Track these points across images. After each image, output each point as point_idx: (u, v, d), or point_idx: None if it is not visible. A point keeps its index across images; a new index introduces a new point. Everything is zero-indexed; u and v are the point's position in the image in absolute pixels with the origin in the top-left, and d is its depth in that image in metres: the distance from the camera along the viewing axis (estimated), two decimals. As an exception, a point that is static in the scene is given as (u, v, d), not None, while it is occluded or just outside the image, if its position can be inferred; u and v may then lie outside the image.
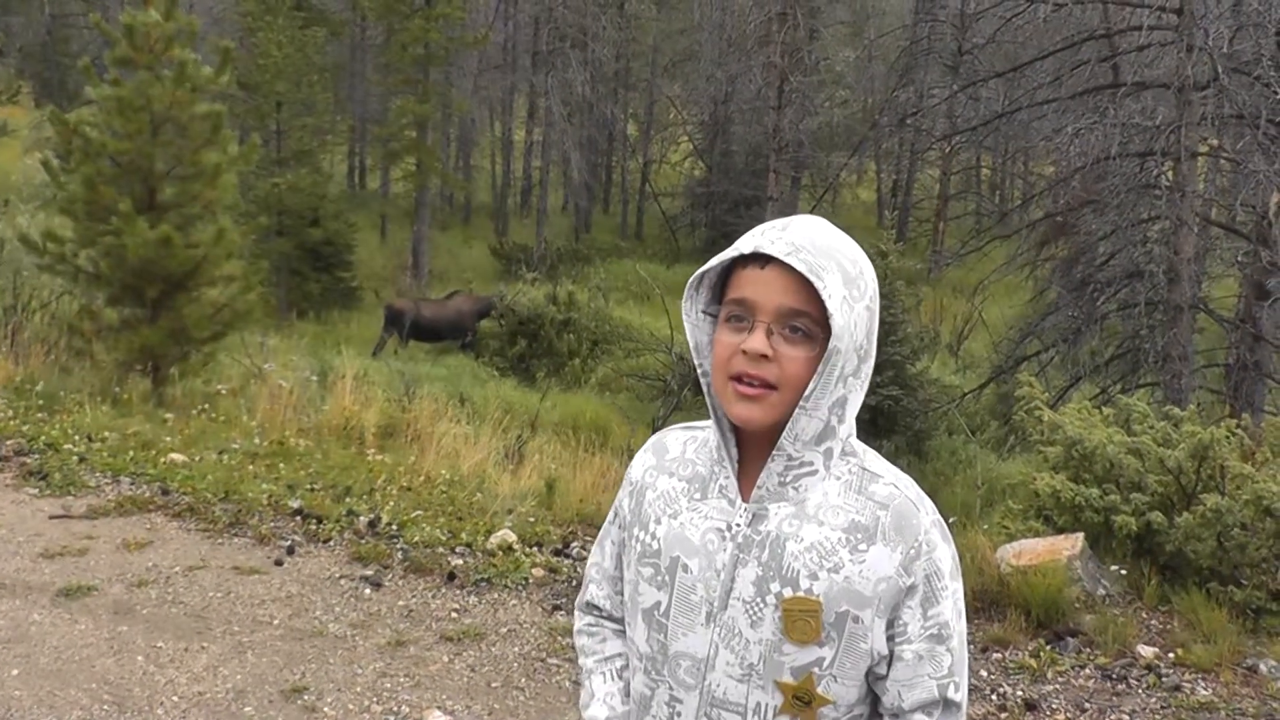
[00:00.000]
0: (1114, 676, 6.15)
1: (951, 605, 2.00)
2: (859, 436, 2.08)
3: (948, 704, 2.01)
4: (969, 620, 6.76)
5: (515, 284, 27.88)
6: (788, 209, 33.08)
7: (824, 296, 1.86)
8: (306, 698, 5.59)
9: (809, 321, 1.89)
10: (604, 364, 24.78)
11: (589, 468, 10.86)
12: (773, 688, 1.99)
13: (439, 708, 5.58)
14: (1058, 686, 6.07)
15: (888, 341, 17.41)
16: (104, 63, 12.36)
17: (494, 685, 5.87)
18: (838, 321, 1.86)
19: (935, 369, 22.98)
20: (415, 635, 6.43)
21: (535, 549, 7.96)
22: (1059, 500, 7.70)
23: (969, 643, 6.42)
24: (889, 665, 2.00)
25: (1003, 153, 43.26)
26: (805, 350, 1.91)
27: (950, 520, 9.21)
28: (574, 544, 8.11)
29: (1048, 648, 6.45)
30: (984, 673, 6.20)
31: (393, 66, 35.40)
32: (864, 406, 2.04)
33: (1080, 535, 7.31)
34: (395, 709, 5.54)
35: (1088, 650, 6.45)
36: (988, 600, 6.98)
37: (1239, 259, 18.74)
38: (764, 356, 1.90)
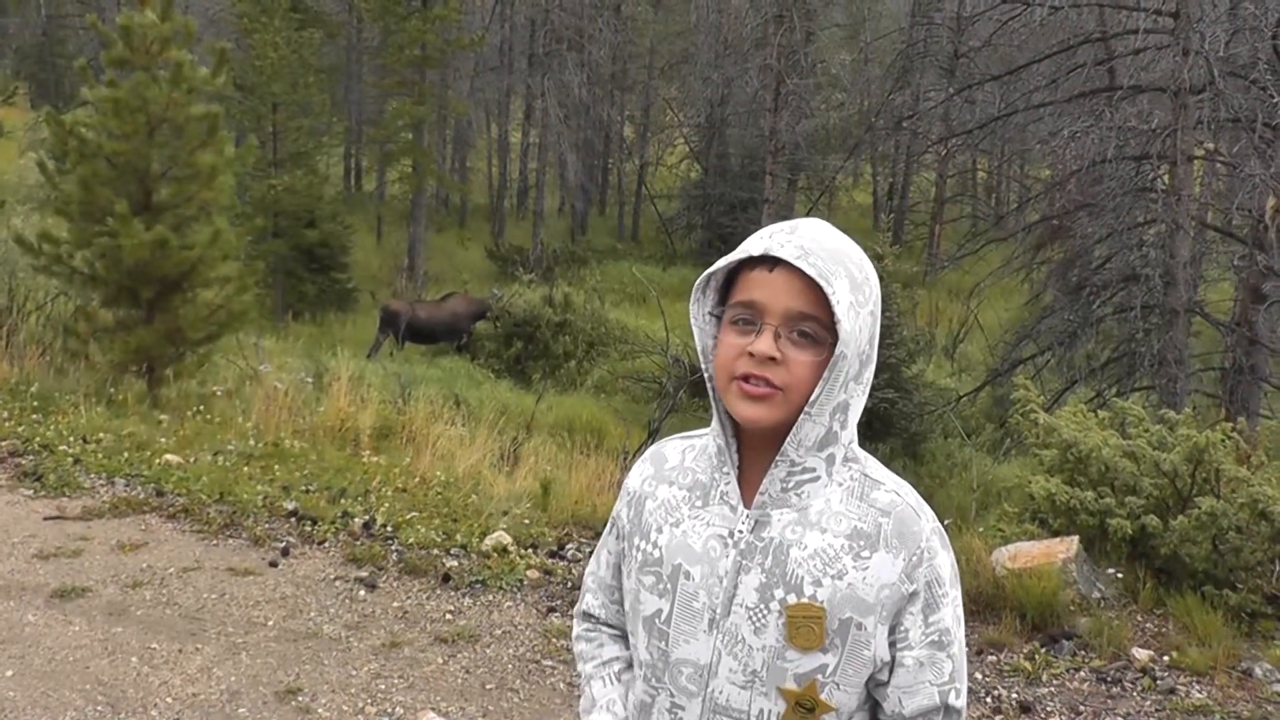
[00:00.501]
0: (1109, 679, 6.15)
1: (952, 611, 2.00)
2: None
3: (949, 710, 2.01)
4: (964, 623, 6.75)
5: (511, 286, 27.89)
6: (784, 211, 33.10)
7: (833, 301, 1.86)
8: (301, 699, 5.58)
9: (816, 326, 1.89)
10: (600, 366, 24.82)
11: (584, 470, 10.86)
12: (776, 695, 1.98)
13: (433, 709, 5.57)
14: (1053, 689, 6.07)
15: (883, 344, 17.40)
16: (100, 64, 12.35)
17: (488, 687, 5.86)
18: (845, 327, 1.87)
19: (931, 372, 23.04)
20: (410, 637, 6.42)
21: (530, 551, 7.95)
22: (1054, 503, 7.70)
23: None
24: (890, 672, 2.00)
25: (999, 156, 43.34)
26: (812, 354, 1.90)
27: (946, 523, 9.19)
28: (569, 546, 8.11)
29: (1043, 650, 6.45)
30: (979, 675, 6.20)
31: (389, 68, 35.41)
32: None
33: (1075, 538, 7.30)
34: (389, 710, 5.54)
35: (1083, 653, 6.45)
36: (983, 603, 6.98)
37: (1235, 263, 18.79)
38: (771, 359, 1.90)
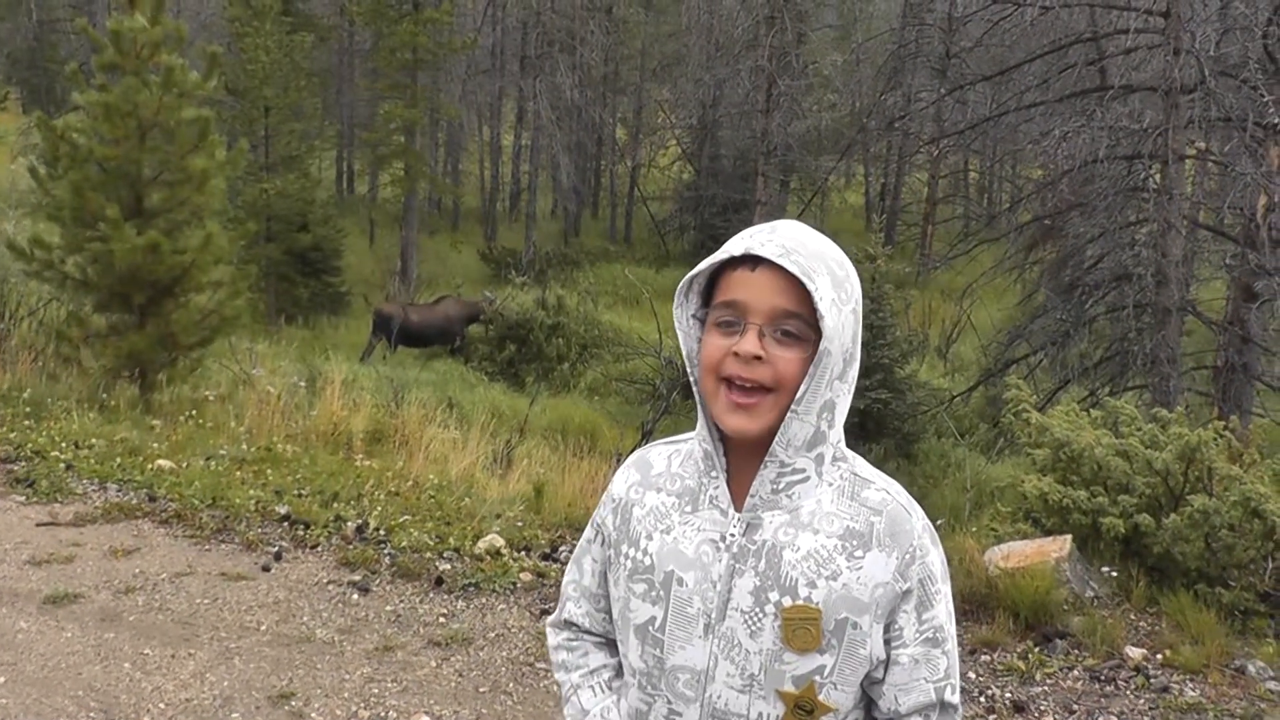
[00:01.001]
0: (1102, 678, 6.16)
1: (945, 608, 2.02)
2: (847, 441, 2.08)
3: (945, 706, 2.02)
4: (957, 623, 6.75)
5: (504, 288, 27.88)
6: (776, 212, 33.10)
7: (815, 298, 1.86)
8: (294, 703, 5.58)
9: (800, 323, 1.90)
10: (593, 368, 24.82)
11: (578, 472, 10.85)
12: (774, 697, 1.99)
13: (427, 713, 5.57)
14: (1046, 688, 6.07)
15: (876, 345, 17.44)
16: (91, 68, 12.34)
17: (482, 690, 5.86)
18: (829, 323, 1.87)
19: (924, 372, 23.03)
20: (403, 640, 6.42)
21: (523, 553, 7.95)
22: (1047, 502, 7.70)
23: (957, 644, 6.44)
24: (886, 670, 2.01)
25: (990, 156, 43.33)
26: (798, 352, 1.91)
27: (939, 523, 9.24)
28: (562, 548, 8.10)
29: (1036, 649, 6.45)
30: (972, 674, 6.20)
31: (380, 71, 35.39)
32: (853, 410, 2.05)
33: (1068, 537, 7.31)
34: (383, 714, 5.53)
35: (1076, 652, 6.45)
36: (976, 602, 6.98)
37: (1227, 262, 18.80)
38: (757, 358, 1.90)
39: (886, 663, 2.00)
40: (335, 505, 8.70)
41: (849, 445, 2.10)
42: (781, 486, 1.99)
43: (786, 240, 1.92)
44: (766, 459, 1.97)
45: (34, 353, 12.64)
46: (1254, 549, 6.91)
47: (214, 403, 12.07)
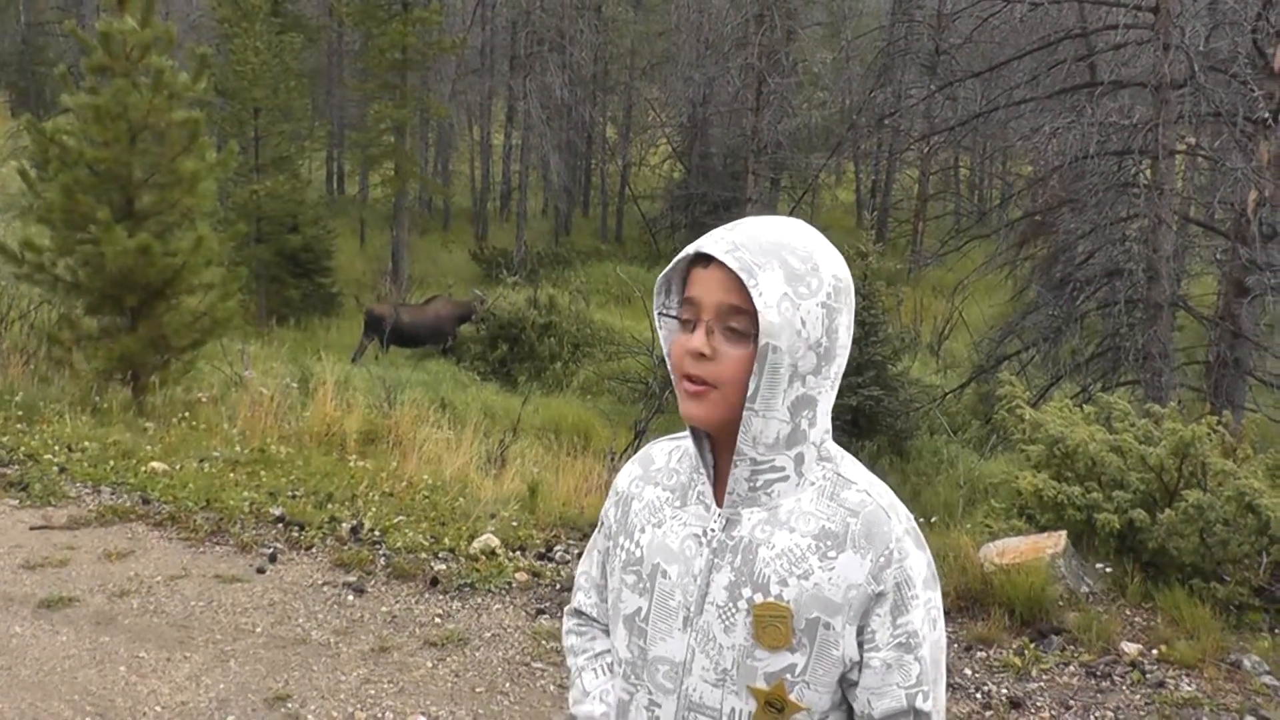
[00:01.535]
0: (1098, 674, 6.17)
1: (923, 615, 1.97)
2: (840, 438, 2.08)
3: (917, 714, 1.99)
4: (952, 620, 6.77)
5: (495, 288, 27.88)
6: (767, 210, 33.11)
7: (753, 293, 1.86)
8: (290, 705, 5.57)
9: (748, 320, 1.90)
10: (585, 367, 24.81)
11: (571, 471, 10.85)
12: (746, 693, 1.99)
13: (423, 714, 5.56)
14: (1042, 684, 6.08)
15: (868, 342, 17.45)
16: (80, 70, 12.31)
17: (478, 690, 5.86)
18: (769, 318, 1.86)
19: (916, 369, 23.05)
20: (398, 641, 6.41)
21: (518, 553, 7.94)
22: (1041, 498, 7.72)
23: (953, 642, 6.45)
24: (859, 672, 1.99)
25: (981, 152, 43.48)
26: (745, 348, 1.91)
27: (932, 520, 9.25)
28: (557, 548, 8.10)
29: (1032, 646, 6.46)
30: (968, 671, 6.21)
31: (370, 71, 35.36)
32: (845, 407, 2.04)
33: (1063, 533, 7.32)
34: (379, 715, 5.52)
35: (1072, 648, 6.46)
36: (971, 599, 6.99)
37: (1218, 256, 18.86)
38: (702, 355, 1.92)
39: (860, 665, 1.99)
40: (329, 506, 8.68)
41: (841, 443, 2.09)
42: (759, 484, 1.99)
43: (739, 237, 1.92)
44: (735, 456, 1.98)
45: (26, 356, 12.61)
46: (1248, 544, 6.93)
47: (207, 404, 12.06)
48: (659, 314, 2.08)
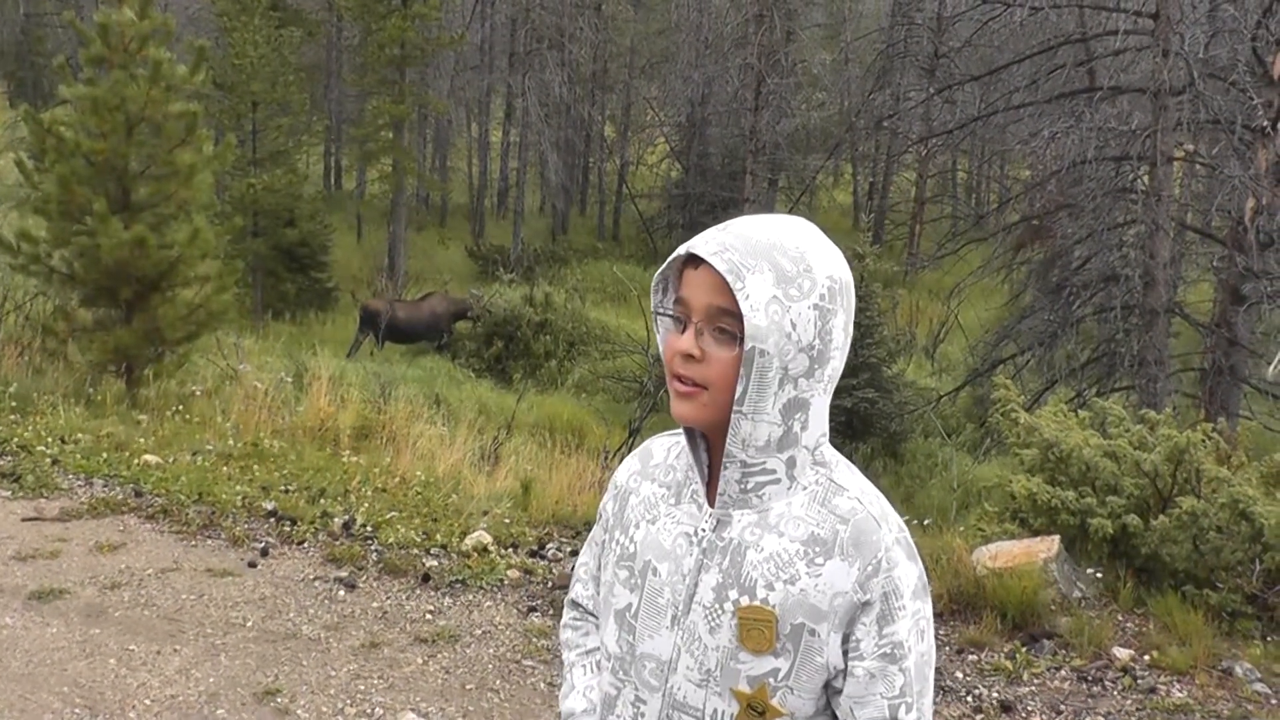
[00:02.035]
0: (1089, 678, 6.16)
1: (910, 625, 1.95)
2: (834, 440, 2.06)
3: None
4: (944, 623, 6.77)
5: (492, 285, 27.87)
6: (764, 210, 33.03)
7: (739, 296, 1.84)
8: (280, 700, 5.56)
9: (735, 321, 1.88)
10: (580, 365, 24.82)
11: (565, 469, 10.84)
12: (729, 695, 1.98)
13: (413, 709, 5.55)
14: (1033, 688, 6.08)
15: (864, 344, 17.46)
16: (78, 62, 12.29)
17: (468, 687, 5.85)
18: (755, 321, 1.84)
19: (911, 371, 23.09)
20: (389, 637, 6.40)
21: (511, 550, 7.93)
22: (1035, 502, 7.71)
23: (944, 645, 6.44)
24: (843, 681, 1.98)
25: (979, 156, 43.52)
26: (734, 350, 1.89)
27: (925, 523, 9.25)
28: (549, 545, 8.09)
29: (1023, 649, 6.46)
30: (959, 674, 6.21)
31: (369, 67, 35.28)
32: (839, 409, 2.03)
33: (1056, 538, 7.32)
34: (369, 711, 5.51)
35: (1063, 652, 6.46)
36: (963, 602, 6.98)
37: (1214, 264, 18.86)
38: (691, 356, 1.90)
39: (844, 673, 1.97)
40: (322, 501, 8.67)
41: (835, 444, 2.07)
42: (750, 486, 1.98)
43: (729, 238, 1.90)
44: (725, 458, 1.96)
45: (20, 347, 12.59)
46: (1241, 551, 6.92)
47: (200, 398, 12.05)
48: (655, 312, 2.06)
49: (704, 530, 2.02)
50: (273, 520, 8.21)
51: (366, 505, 8.61)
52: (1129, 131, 17.33)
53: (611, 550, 2.18)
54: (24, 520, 7.93)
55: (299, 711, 5.47)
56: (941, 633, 6.67)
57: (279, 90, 30.95)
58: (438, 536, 7.99)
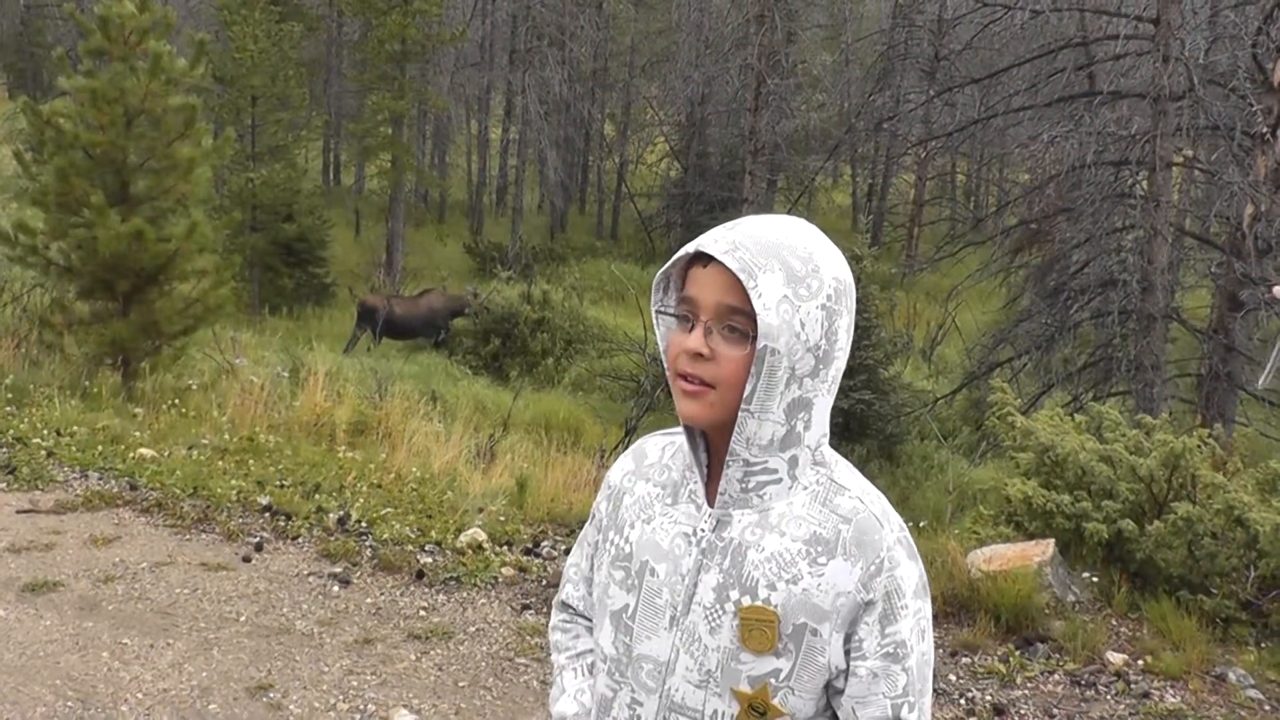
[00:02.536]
0: (1083, 683, 6.16)
1: (912, 625, 1.95)
2: (830, 441, 2.06)
3: None
4: (938, 625, 6.76)
5: (490, 282, 27.86)
6: (763, 211, 33.00)
7: (752, 295, 1.84)
8: (272, 695, 5.55)
9: (747, 320, 1.87)
10: (577, 364, 24.81)
11: (561, 467, 10.85)
12: (729, 696, 1.97)
13: (406, 706, 5.55)
14: (1026, 692, 6.07)
15: (861, 345, 17.45)
16: (78, 54, 12.28)
17: (461, 684, 5.84)
18: (768, 320, 1.83)
19: (908, 374, 23.06)
20: (383, 633, 6.39)
21: (505, 548, 7.93)
22: (1030, 506, 7.71)
23: (938, 647, 6.44)
24: (845, 681, 1.98)
25: (978, 159, 43.51)
26: (744, 349, 1.88)
27: (920, 525, 9.24)
28: (544, 543, 8.09)
29: (1017, 653, 6.45)
30: (952, 677, 6.20)
31: (369, 62, 35.26)
32: (836, 410, 2.02)
33: (1051, 541, 7.31)
34: (361, 707, 5.51)
35: (1057, 656, 6.46)
36: (957, 605, 6.98)
37: (1212, 270, 18.84)
38: (700, 355, 1.89)
39: (846, 673, 1.97)
40: (317, 497, 8.67)
41: (831, 445, 2.07)
42: (751, 486, 1.97)
43: (740, 236, 1.90)
44: (728, 457, 1.95)
45: (17, 339, 12.59)
46: (1236, 557, 6.92)
47: (197, 392, 12.04)
48: (657, 311, 2.05)
49: (703, 530, 2.01)
50: (267, 515, 8.21)
51: (361, 501, 8.61)
52: (1128, 136, 17.35)
53: (606, 551, 2.17)
54: (18, 512, 7.93)
55: (291, 707, 5.46)
56: (935, 635, 6.65)
57: (279, 85, 30.94)
58: (432, 533, 7.99)
